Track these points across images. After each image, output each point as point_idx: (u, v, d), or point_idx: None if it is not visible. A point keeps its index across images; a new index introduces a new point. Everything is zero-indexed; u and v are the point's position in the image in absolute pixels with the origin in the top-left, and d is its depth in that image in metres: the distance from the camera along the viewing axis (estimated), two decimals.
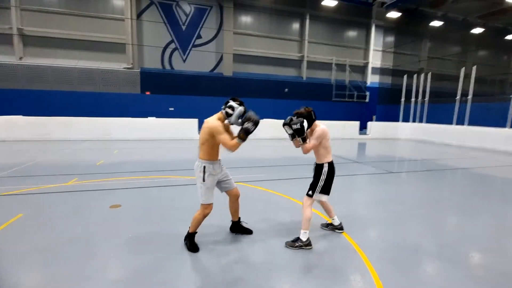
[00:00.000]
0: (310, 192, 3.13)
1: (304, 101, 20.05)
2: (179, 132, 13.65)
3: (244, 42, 20.35)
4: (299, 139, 3.00)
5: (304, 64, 21.51)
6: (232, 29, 19.84)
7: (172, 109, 17.49)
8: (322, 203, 3.43)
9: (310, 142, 3.07)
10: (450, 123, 14.27)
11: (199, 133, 14.23)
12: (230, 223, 3.45)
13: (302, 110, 3.16)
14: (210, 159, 2.94)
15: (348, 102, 21.29)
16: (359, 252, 3.03)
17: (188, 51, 19.72)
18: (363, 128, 17.48)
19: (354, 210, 4.39)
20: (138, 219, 3.79)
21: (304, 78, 21.56)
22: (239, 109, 2.89)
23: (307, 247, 3.06)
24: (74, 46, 17.62)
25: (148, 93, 18.12)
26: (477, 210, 4.60)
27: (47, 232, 3.31)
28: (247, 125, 2.82)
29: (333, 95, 21.17)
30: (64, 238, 3.18)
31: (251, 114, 2.89)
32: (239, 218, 3.42)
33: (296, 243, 3.08)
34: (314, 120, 3.18)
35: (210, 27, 19.74)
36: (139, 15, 18.56)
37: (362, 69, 23.21)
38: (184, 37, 19.50)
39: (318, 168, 3.16)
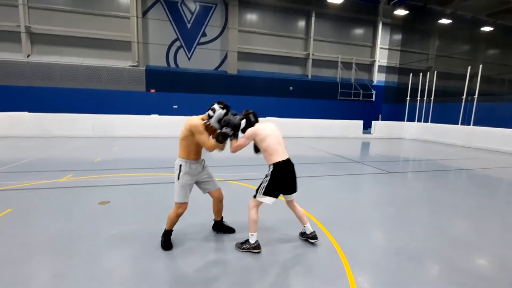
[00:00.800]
0: (255, 193, 3.02)
1: (309, 99, 19.93)
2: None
3: (249, 40, 20.28)
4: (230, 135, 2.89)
5: (310, 62, 21.32)
6: (237, 27, 19.80)
7: (176, 106, 17.57)
8: (292, 208, 3.20)
9: (238, 141, 2.98)
10: (456, 123, 13.94)
11: None
12: (213, 222, 3.43)
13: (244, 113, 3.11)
14: (187, 157, 2.93)
15: (354, 101, 21.03)
16: (340, 254, 2.96)
17: (193, 49, 19.77)
18: (368, 127, 17.26)
19: (343, 210, 4.31)
20: (124, 216, 3.80)
21: (309, 77, 21.38)
22: (219, 112, 2.88)
23: (255, 250, 2.92)
24: (80, 44, 17.85)
25: (153, 91, 18.26)
26: (476, 213, 4.47)
27: (31, 228, 3.35)
28: (225, 130, 2.83)
29: (338, 93, 20.94)
30: (46, 234, 3.21)
31: (230, 118, 2.87)
32: (222, 217, 3.39)
33: (243, 245, 2.99)
34: (252, 123, 3.04)
35: (215, 25, 19.74)
36: (144, 13, 18.67)
37: (368, 67, 22.87)
38: (189, 35, 19.55)
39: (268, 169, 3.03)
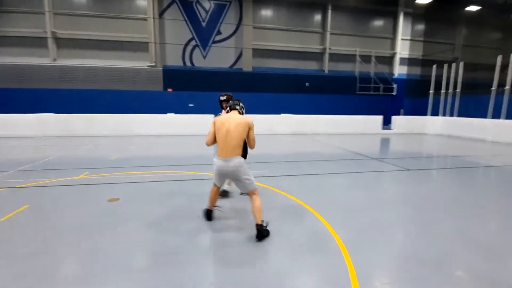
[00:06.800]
0: None
1: (326, 95, 19.49)
2: (196, 128, 13.85)
3: (263, 36, 20.13)
4: None
5: (326, 56, 20.84)
6: (252, 23, 19.70)
7: (192, 105, 17.79)
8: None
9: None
10: (484, 116, 13.07)
11: None
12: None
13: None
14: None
15: (373, 96, 20.33)
16: (347, 259, 2.83)
17: (208, 47, 19.92)
18: (388, 122, 16.63)
19: (353, 210, 4.14)
20: (131, 213, 3.85)
21: (326, 71, 20.91)
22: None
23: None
24: (101, 46, 18.52)
25: (170, 90, 18.61)
26: (504, 214, 4.13)
27: (42, 224, 3.49)
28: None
29: (357, 88, 20.32)
30: (54, 230, 3.33)
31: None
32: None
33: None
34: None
35: (230, 22, 19.76)
36: (161, 14, 19.03)
37: (388, 60, 22.00)
38: (204, 34, 19.72)
39: None
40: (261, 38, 20.07)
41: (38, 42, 17.70)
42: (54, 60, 18.09)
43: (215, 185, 3.44)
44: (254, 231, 3.13)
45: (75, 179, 5.51)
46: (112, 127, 12.93)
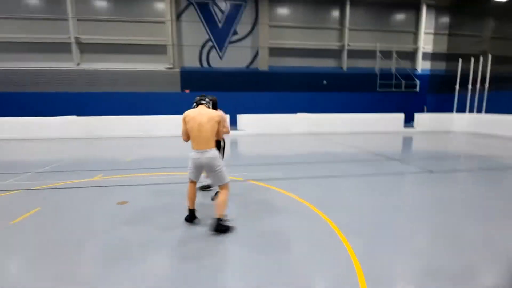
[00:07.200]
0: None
1: (344, 93, 18.95)
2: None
3: (280, 34, 19.90)
4: None
5: (345, 53, 20.26)
6: (268, 22, 19.53)
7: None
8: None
9: None
10: None
11: (230, 128, 14.01)
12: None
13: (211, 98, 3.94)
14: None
15: (394, 93, 19.52)
16: (357, 269, 2.64)
17: (224, 48, 19.97)
18: (410, 120, 15.90)
19: (366, 216, 3.90)
20: (136, 217, 3.83)
21: (345, 69, 20.34)
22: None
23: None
24: (121, 50, 19.06)
25: (187, 91, 18.85)
26: None
27: (50, 228, 3.55)
28: None
29: (377, 85, 19.60)
30: (59, 235, 3.37)
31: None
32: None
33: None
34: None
35: (246, 22, 19.70)
36: (178, 17, 19.30)
37: (411, 55, 21.02)
38: (220, 35, 19.79)
39: None
40: (277, 37, 19.85)
41: (62, 48, 18.49)
42: (78, 64, 18.84)
43: (191, 181, 3.53)
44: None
45: (89, 181, 5.63)
46: (131, 129, 13.24)
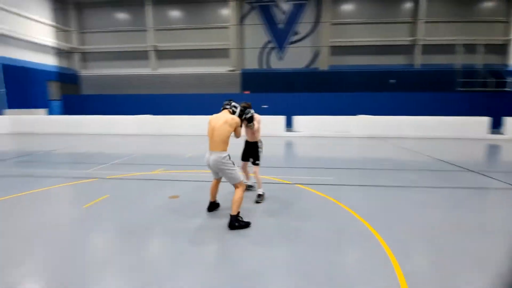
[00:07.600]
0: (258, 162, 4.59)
1: (415, 93, 17.11)
2: (267, 129, 14.03)
3: (342, 32, 19.06)
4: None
5: (418, 48, 18.32)
6: (330, 19, 18.90)
7: (266, 106, 18.15)
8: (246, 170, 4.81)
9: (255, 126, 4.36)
10: None
11: (286, 130, 13.85)
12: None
13: (244, 104, 4.13)
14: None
15: (480, 93, 16.83)
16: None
17: (284, 48, 20.02)
18: (497, 125, 13.51)
19: (428, 235, 3.45)
20: (186, 211, 4.13)
21: (417, 66, 18.38)
22: (239, 108, 3.89)
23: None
24: (189, 55, 20.74)
25: (247, 92, 19.45)
26: None
27: (112, 213, 4.09)
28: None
29: (457, 84, 17.19)
30: (115, 221, 3.87)
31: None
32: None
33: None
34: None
35: (306, 21, 19.40)
36: (241, 20, 20.07)
37: (501, 49, 17.85)
38: (280, 36, 19.91)
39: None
40: (339, 35, 19.05)
41: (141, 55, 21.00)
42: (154, 69, 21.16)
43: (214, 178, 3.89)
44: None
45: (151, 174, 6.28)
46: (194, 127, 14.24)
